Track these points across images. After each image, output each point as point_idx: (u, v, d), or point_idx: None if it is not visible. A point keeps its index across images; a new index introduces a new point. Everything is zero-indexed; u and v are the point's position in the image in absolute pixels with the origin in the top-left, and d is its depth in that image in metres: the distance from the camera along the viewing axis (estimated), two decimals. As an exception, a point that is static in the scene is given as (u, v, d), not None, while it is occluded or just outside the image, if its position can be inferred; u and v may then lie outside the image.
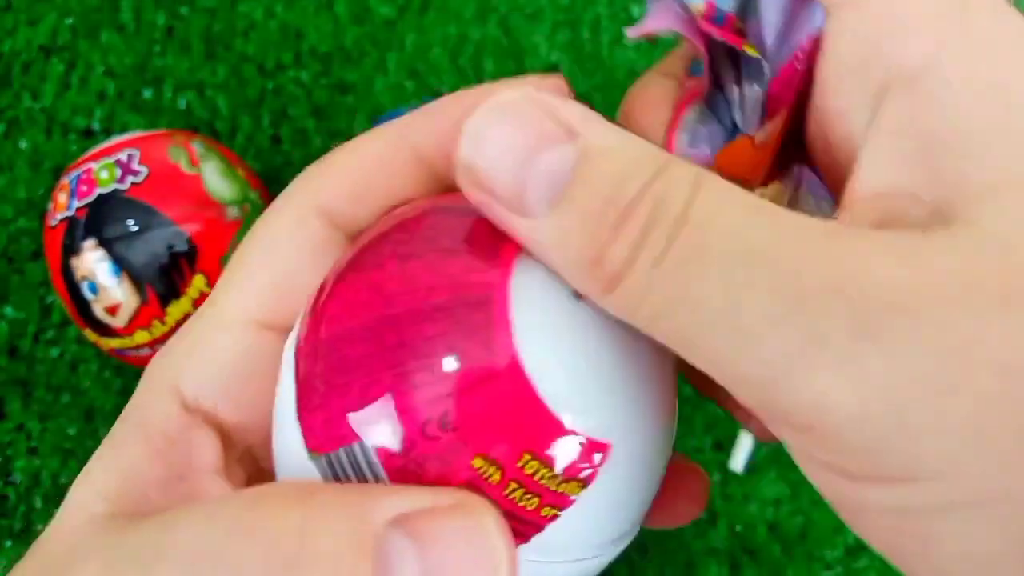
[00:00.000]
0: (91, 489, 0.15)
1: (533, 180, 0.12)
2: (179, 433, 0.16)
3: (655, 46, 0.38)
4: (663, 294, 0.12)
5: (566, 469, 0.13)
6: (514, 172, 0.13)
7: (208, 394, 0.16)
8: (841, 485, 0.12)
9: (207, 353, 0.16)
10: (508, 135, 0.13)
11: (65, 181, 0.29)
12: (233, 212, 0.29)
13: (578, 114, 0.13)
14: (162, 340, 0.28)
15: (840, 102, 0.13)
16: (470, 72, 0.38)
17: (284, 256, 0.16)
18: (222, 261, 0.28)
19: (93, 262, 0.28)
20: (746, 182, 0.15)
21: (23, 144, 0.36)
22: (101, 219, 0.28)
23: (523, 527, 0.13)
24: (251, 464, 0.17)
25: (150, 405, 0.16)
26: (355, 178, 0.16)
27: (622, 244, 0.12)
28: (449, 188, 0.16)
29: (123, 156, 0.29)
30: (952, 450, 0.11)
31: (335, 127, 0.37)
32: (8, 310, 0.34)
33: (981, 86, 0.12)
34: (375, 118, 0.37)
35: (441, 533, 0.12)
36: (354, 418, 0.13)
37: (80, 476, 0.16)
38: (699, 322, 0.12)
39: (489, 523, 0.12)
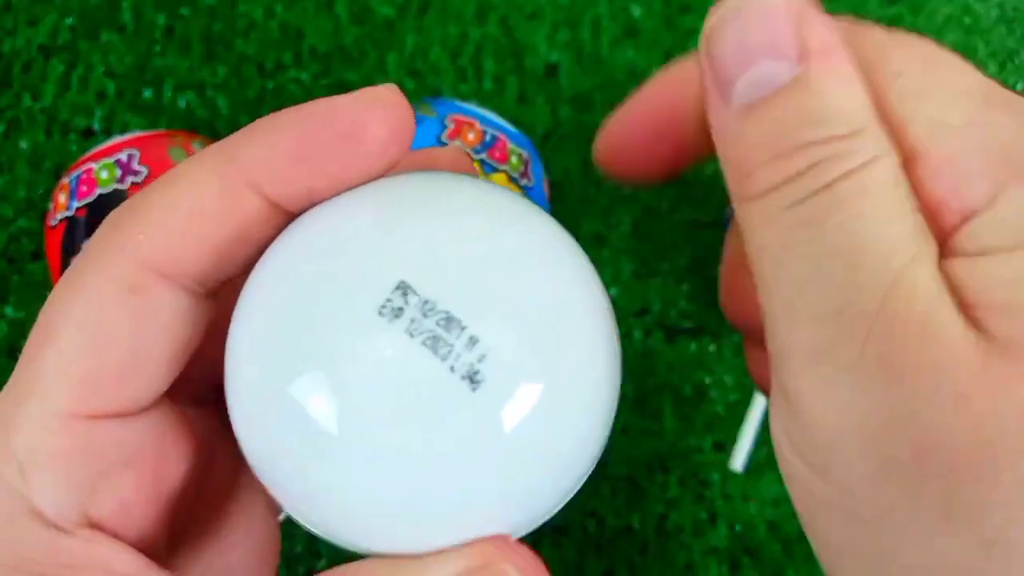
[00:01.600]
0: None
1: (746, 78, 0.13)
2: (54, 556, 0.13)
3: (655, 46, 0.38)
4: (779, 238, 0.13)
5: None
6: (737, 63, 0.13)
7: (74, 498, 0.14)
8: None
9: (45, 459, 0.13)
10: (750, 30, 0.13)
11: (65, 181, 0.29)
12: (233, 212, 0.29)
13: (820, 39, 0.13)
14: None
15: None
16: (470, 72, 0.38)
17: (114, 334, 0.13)
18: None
19: (93, 262, 0.28)
20: None
21: (23, 144, 0.36)
22: (101, 219, 0.28)
23: None
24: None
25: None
26: (195, 236, 0.13)
27: (774, 173, 0.13)
28: (281, 211, 0.14)
29: (123, 156, 0.29)
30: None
31: (335, 127, 0.37)
32: (8, 310, 0.34)
33: None
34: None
35: None
36: None
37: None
38: (789, 280, 0.13)
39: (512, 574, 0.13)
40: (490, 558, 0.13)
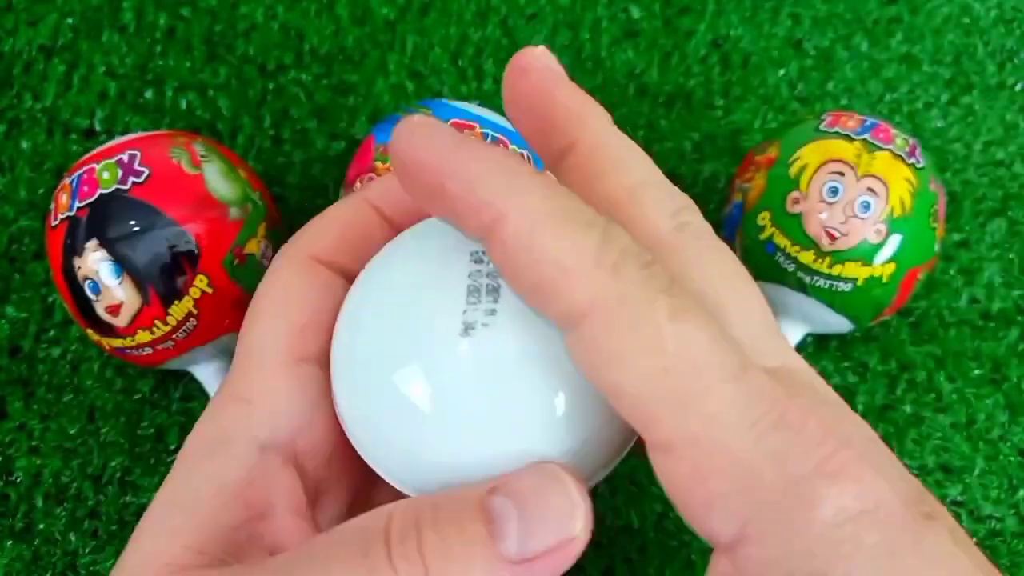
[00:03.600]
0: (167, 541, 0.17)
1: None
2: (256, 473, 0.18)
3: (655, 47, 0.38)
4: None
5: None
6: None
7: (281, 432, 0.18)
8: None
9: (263, 396, 0.19)
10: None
11: (67, 181, 0.29)
12: (235, 212, 0.29)
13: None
14: (163, 340, 0.28)
15: None
16: (471, 73, 0.38)
17: (301, 296, 0.19)
18: (224, 262, 0.28)
19: (95, 262, 0.28)
20: None
21: (24, 144, 0.36)
22: (103, 219, 0.28)
23: None
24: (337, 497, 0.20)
25: (215, 456, 0.18)
26: (336, 230, 0.20)
27: None
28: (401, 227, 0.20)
29: (125, 157, 0.29)
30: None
31: (336, 128, 0.37)
32: (10, 310, 0.34)
33: None
34: (377, 122, 0.37)
35: (529, 488, 0.15)
36: None
37: (143, 534, 0.17)
38: None
39: (562, 473, 0.16)
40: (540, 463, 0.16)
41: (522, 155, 0.31)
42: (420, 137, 0.16)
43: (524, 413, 0.16)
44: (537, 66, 0.17)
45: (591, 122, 0.18)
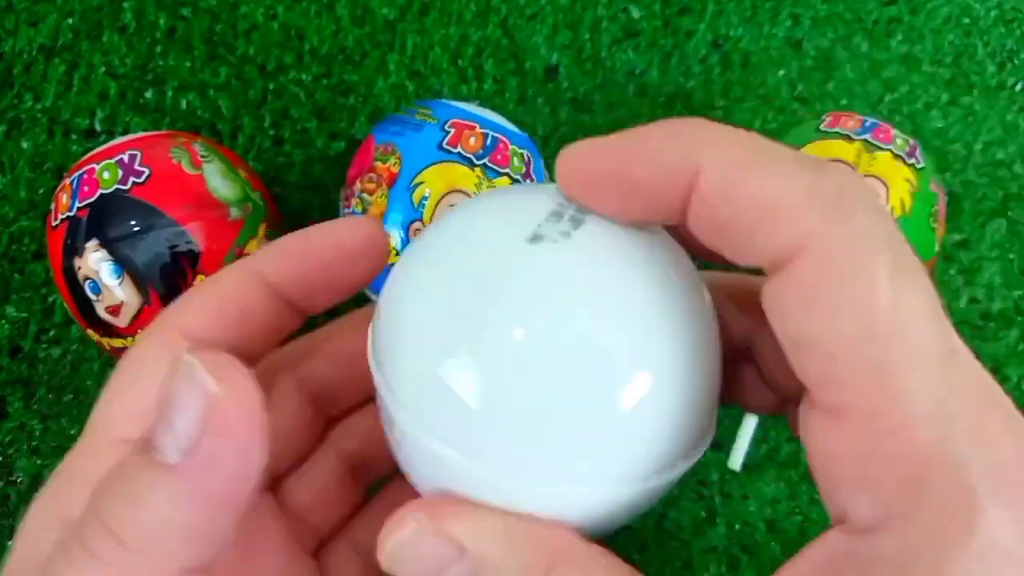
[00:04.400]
0: None
1: None
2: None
3: (654, 47, 0.38)
4: None
5: None
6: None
7: None
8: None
9: (85, 478, 0.16)
10: (414, 566, 0.15)
11: (67, 182, 0.29)
12: (235, 212, 0.29)
13: (464, 528, 0.15)
14: (164, 340, 0.28)
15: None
16: (470, 73, 0.38)
17: (151, 376, 0.17)
18: (224, 262, 0.28)
19: (95, 262, 0.28)
20: None
21: (25, 144, 0.36)
22: (103, 219, 0.28)
23: None
24: None
25: (36, 536, 0.16)
26: (212, 304, 0.18)
27: None
28: (288, 304, 0.19)
29: (125, 157, 0.29)
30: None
31: (336, 128, 0.37)
32: (10, 310, 0.34)
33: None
34: (377, 122, 0.37)
35: (164, 390, 0.14)
36: None
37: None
38: None
39: (186, 356, 0.14)
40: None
41: (522, 155, 0.31)
42: (585, 152, 0.15)
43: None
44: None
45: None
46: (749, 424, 0.32)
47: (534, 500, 0.15)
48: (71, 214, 0.28)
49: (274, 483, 0.21)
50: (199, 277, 0.28)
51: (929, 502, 0.13)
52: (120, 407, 0.17)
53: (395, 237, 0.29)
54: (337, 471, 0.21)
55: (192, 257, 0.28)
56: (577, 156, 0.15)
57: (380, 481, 0.22)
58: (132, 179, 0.28)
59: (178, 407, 0.14)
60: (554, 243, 0.15)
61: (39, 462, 0.32)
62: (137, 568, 0.14)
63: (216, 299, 0.18)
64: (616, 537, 0.32)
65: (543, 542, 0.15)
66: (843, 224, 0.13)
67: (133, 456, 0.14)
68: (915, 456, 0.13)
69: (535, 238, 0.15)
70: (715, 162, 0.14)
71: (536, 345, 0.14)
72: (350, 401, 0.21)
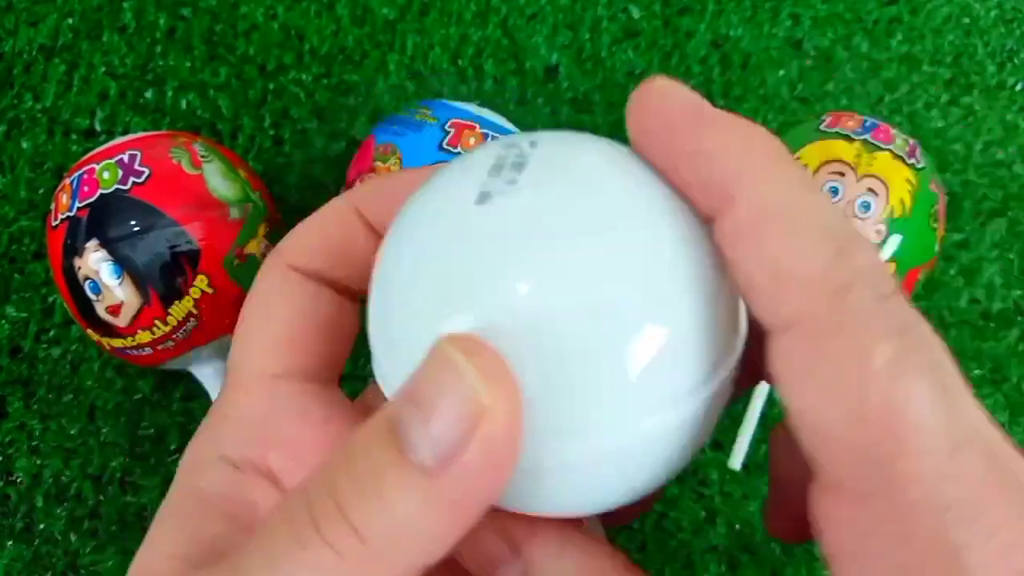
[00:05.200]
0: (158, 552, 0.17)
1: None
2: (231, 489, 0.17)
3: (655, 47, 0.38)
4: None
5: None
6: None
7: (252, 448, 0.18)
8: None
9: (238, 413, 0.18)
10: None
11: (67, 182, 0.29)
12: (235, 212, 0.29)
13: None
14: (163, 340, 0.28)
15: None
16: (471, 73, 0.38)
17: (277, 310, 0.19)
18: (224, 262, 0.28)
19: (95, 262, 0.28)
20: None
21: (25, 144, 0.36)
22: (103, 219, 0.28)
23: None
24: None
25: (200, 472, 0.18)
26: (316, 241, 0.20)
27: None
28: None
29: (125, 157, 0.29)
30: None
31: (336, 128, 0.37)
32: (10, 310, 0.34)
33: None
34: (377, 122, 0.37)
35: (424, 378, 0.13)
36: None
37: (143, 546, 0.17)
38: None
39: (451, 350, 0.13)
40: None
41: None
42: (656, 105, 0.15)
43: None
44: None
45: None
46: (749, 424, 0.32)
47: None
48: (71, 214, 0.28)
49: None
50: (199, 278, 0.28)
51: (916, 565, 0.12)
52: (256, 345, 0.19)
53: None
54: None
55: (192, 257, 0.28)
56: (659, 97, 0.15)
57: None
58: (132, 179, 0.28)
59: (439, 407, 0.13)
60: (501, 195, 0.14)
61: (39, 462, 0.32)
62: (375, 567, 0.13)
63: (320, 235, 0.19)
64: (616, 538, 0.32)
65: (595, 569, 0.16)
66: (843, 307, 0.13)
67: (380, 446, 0.13)
68: (911, 542, 0.13)
69: (482, 197, 0.14)
70: (748, 202, 0.14)
71: (519, 303, 0.14)
72: None
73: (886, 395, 0.12)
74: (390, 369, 0.16)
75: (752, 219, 0.13)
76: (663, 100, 0.15)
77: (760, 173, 0.14)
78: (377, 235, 0.20)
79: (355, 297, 0.20)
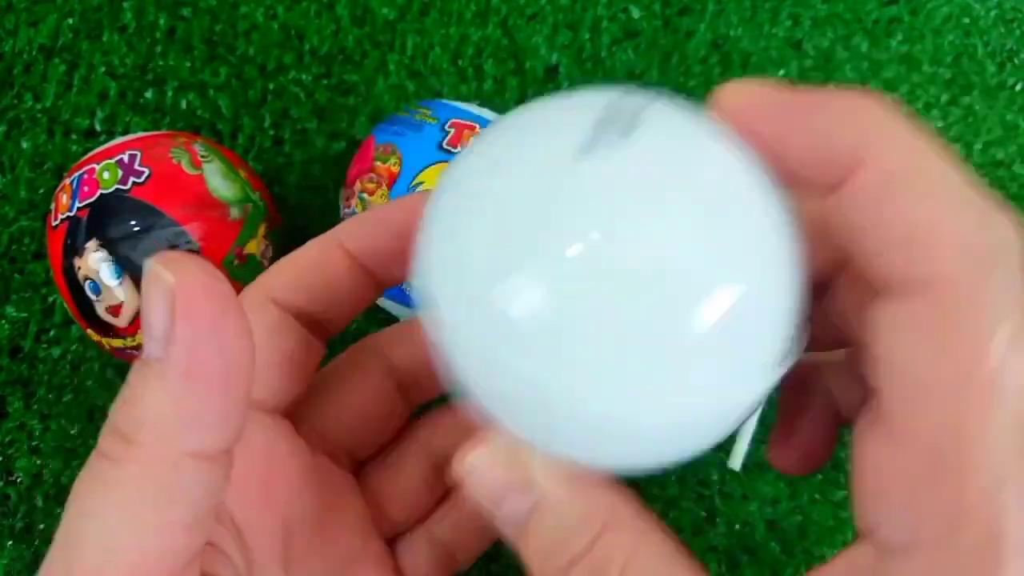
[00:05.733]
0: None
1: (500, 514, 0.16)
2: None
3: (654, 48, 0.38)
4: None
5: None
6: (489, 502, 0.16)
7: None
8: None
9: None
10: (488, 477, 0.16)
11: (67, 182, 0.29)
12: (235, 212, 0.29)
13: (540, 466, 0.16)
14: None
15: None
16: (471, 73, 0.38)
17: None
18: (224, 262, 0.28)
19: (95, 262, 0.28)
20: None
21: (25, 144, 0.36)
22: (103, 219, 0.28)
23: None
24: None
25: None
26: (295, 274, 0.20)
27: None
28: (367, 275, 0.20)
29: (125, 157, 0.29)
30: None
31: (336, 128, 0.37)
32: (10, 310, 0.34)
33: None
34: (377, 122, 0.37)
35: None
36: None
37: None
38: None
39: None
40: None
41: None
42: (750, 97, 0.15)
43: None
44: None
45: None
46: (749, 424, 0.32)
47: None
48: (71, 214, 0.28)
49: (358, 466, 0.22)
50: (199, 277, 0.28)
51: (962, 542, 0.13)
52: None
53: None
54: (423, 467, 0.22)
55: (192, 257, 0.28)
56: (746, 94, 0.15)
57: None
58: (132, 179, 0.28)
59: (150, 309, 0.14)
60: (609, 149, 0.14)
61: (39, 462, 0.32)
62: (144, 458, 0.15)
63: (299, 268, 0.20)
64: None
65: (606, 500, 0.16)
66: (985, 277, 0.13)
67: (133, 372, 0.15)
68: (962, 500, 0.13)
69: (586, 148, 0.14)
70: (880, 162, 0.13)
71: (600, 263, 0.13)
72: (435, 390, 0.23)
73: (997, 366, 0.13)
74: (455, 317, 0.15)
75: (886, 181, 0.13)
76: (757, 86, 0.15)
77: (889, 139, 0.14)
78: (363, 270, 0.20)
79: (326, 336, 0.21)
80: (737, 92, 0.15)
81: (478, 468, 0.16)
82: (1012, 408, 0.13)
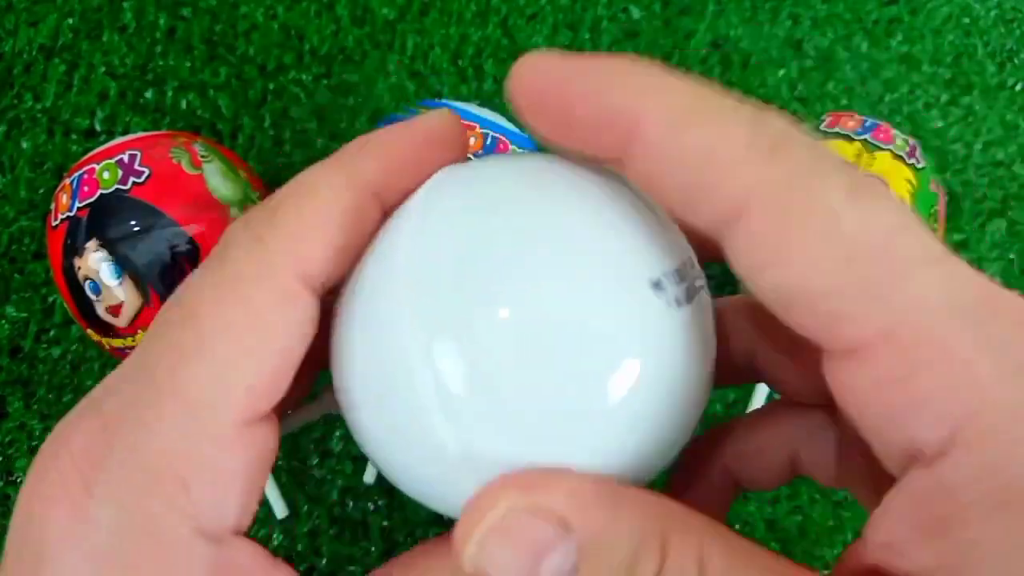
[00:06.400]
0: None
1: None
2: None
3: (655, 48, 0.39)
4: None
5: None
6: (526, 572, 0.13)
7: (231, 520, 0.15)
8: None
9: (212, 478, 0.14)
10: (507, 557, 0.13)
11: (67, 182, 0.29)
12: (235, 212, 0.29)
13: (564, 500, 0.13)
14: (164, 340, 0.28)
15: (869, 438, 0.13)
16: (471, 73, 0.38)
17: (277, 339, 0.15)
18: (224, 261, 0.28)
19: (95, 262, 0.28)
20: None
21: (25, 144, 0.36)
22: (103, 219, 0.28)
23: None
24: None
25: (176, 550, 0.15)
26: (331, 240, 0.15)
27: None
28: (377, 200, 0.17)
29: (125, 157, 0.29)
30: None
31: (336, 128, 0.37)
32: (10, 310, 0.34)
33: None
34: (378, 122, 0.37)
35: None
36: None
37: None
38: None
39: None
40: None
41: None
42: (538, 68, 0.14)
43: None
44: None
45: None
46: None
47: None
48: (71, 214, 0.28)
49: None
50: (199, 277, 0.28)
51: (984, 400, 0.12)
52: (239, 380, 0.14)
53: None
54: None
55: (192, 257, 0.28)
56: (528, 69, 0.14)
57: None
58: (132, 179, 0.28)
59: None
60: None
61: (39, 462, 0.32)
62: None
63: (336, 236, 0.15)
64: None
65: (652, 504, 0.13)
66: (784, 163, 0.12)
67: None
68: (951, 358, 0.12)
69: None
70: (657, 111, 0.13)
71: (512, 327, 0.13)
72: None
73: (859, 223, 0.12)
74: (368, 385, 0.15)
75: (668, 125, 0.13)
76: (534, 71, 0.14)
77: (663, 87, 0.13)
78: (375, 201, 0.16)
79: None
80: (526, 68, 0.14)
81: (494, 544, 0.13)
82: (909, 252, 0.12)
